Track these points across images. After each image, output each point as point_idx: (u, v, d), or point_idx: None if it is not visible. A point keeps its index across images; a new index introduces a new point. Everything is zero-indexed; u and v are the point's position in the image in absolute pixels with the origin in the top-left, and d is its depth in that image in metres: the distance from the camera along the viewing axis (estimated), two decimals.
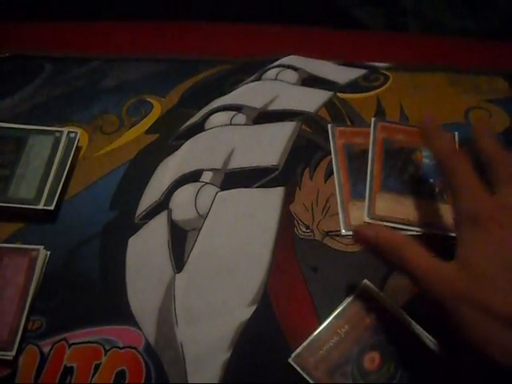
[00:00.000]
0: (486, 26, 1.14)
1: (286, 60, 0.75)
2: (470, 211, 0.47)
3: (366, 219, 0.59)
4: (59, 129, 0.65)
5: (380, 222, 0.59)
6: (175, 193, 0.62)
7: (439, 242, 0.58)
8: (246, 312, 0.54)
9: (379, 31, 1.02)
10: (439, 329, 0.52)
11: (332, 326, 0.53)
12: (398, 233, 0.55)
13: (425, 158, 0.63)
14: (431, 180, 0.62)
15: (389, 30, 1.15)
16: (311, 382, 0.50)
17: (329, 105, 0.70)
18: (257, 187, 0.62)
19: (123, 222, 0.61)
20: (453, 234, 0.58)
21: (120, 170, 0.65)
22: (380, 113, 0.69)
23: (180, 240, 0.59)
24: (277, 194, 0.62)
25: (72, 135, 0.65)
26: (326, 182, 0.62)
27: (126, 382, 0.51)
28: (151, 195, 0.62)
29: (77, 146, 0.65)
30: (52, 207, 0.60)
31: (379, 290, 0.55)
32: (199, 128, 0.68)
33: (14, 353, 0.51)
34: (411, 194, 0.61)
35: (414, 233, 0.59)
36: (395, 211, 0.60)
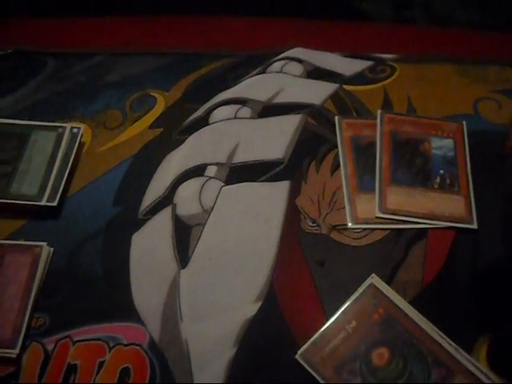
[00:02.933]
0: (494, 18, 1.12)
1: (290, 52, 0.75)
2: None
3: (378, 214, 0.58)
4: (62, 124, 0.65)
5: (392, 216, 0.58)
6: (179, 187, 0.61)
7: (453, 234, 0.57)
8: (251, 308, 0.54)
9: (386, 23, 1.00)
10: (449, 323, 0.51)
11: (339, 321, 0.52)
12: None
13: (434, 148, 0.62)
14: (441, 171, 0.61)
15: (396, 22, 1.14)
16: (318, 378, 0.49)
17: (335, 97, 0.69)
18: (262, 181, 0.62)
19: (127, 218, 0.60)
20: (467, 226, 0.57)
21: (123, 165, 0.64)
22: (387, 104, 0.68)
23: (184, 235, 0.58)
24: (282, 187, 0.61)
25: (75, 131, 0.64)
26: (332, 175, 0.62)
27: (131, 379, 0.50)
28: (155, 190, 0.62)
29: (80, 142, 0.64)
30: (55, 203, 0.59)
31: (387, 284, 0.54)
32: (203, 122, 0.67)
33: (17, 350, 0.51)
34: (422, 186, 0.60)
35: (427, 226, 0.58)
36: (407, 204, 0.59)
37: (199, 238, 0.58)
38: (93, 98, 0.71)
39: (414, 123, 0.65)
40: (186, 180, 0.62)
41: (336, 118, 0.66)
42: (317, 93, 0.69)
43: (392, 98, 0.68)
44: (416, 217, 0.58)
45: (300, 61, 0.73)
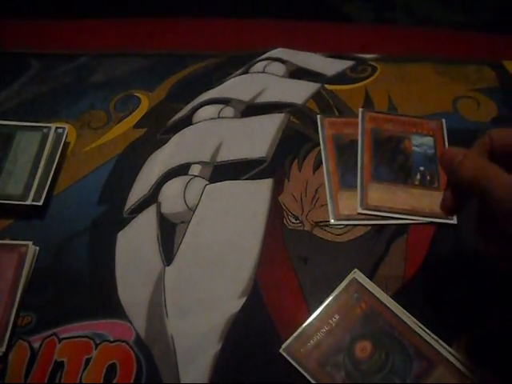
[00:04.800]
0: (475, 18, 1.14)
1: (273, 53, 0.75)
2: None
3: (359, 210, 0.59)
4: (47, 124, 0.65)
5: (373, 212, 0.59)
6: (164, 186, 0.62)
7: (434, 230, 0.58)
8: (236, 304, 0.54)
9: (367, 24, 1.01)
10: (430, 316, 0.52)
11: (322, 315, 0.53)
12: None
13: (414, 146, 0.63)
14: (422, 168, 0.62)
15: (377, 23, 1.15)
16: (302, 372, 0.50)
17: (317, 96, 0.70)
18: (245, 179, 0.62)
19: (112, 217, 0.60)
20: (447, 221, 0.58)
21: (108, 164, 0.65)
22: (368, 104, 0.69)
23: (169, 233, 0.59)
24: (265, 185, 0.62)
25: (60, 131, 0.65)
26: (314, 173, 0.62)
27: (117, 374, 0.50)
28: (140, 189, 0.62)
29: (65, 142, 0.64)
30: (40, 203, 0.60)
31: (369, 278, 0.55)
32: (187, 122, 0.68)
33: (3, 349, 0.51)
34: (402, 182, 0.61)
35: (408, 221, 0.59)
36: (387, 201, 0.60)
37: (184, 236, 0.58)
38: (77, 98, 0.71)
39: (395, 121, 0.66)
40: (171, 179, 0.62)
41: (318, 116, 0.67)
42: (299, 92, 0.70)
43: (373, 97, 0.69)
44: (397, 213, 0.59)
45: (283, 61, 0.74)
